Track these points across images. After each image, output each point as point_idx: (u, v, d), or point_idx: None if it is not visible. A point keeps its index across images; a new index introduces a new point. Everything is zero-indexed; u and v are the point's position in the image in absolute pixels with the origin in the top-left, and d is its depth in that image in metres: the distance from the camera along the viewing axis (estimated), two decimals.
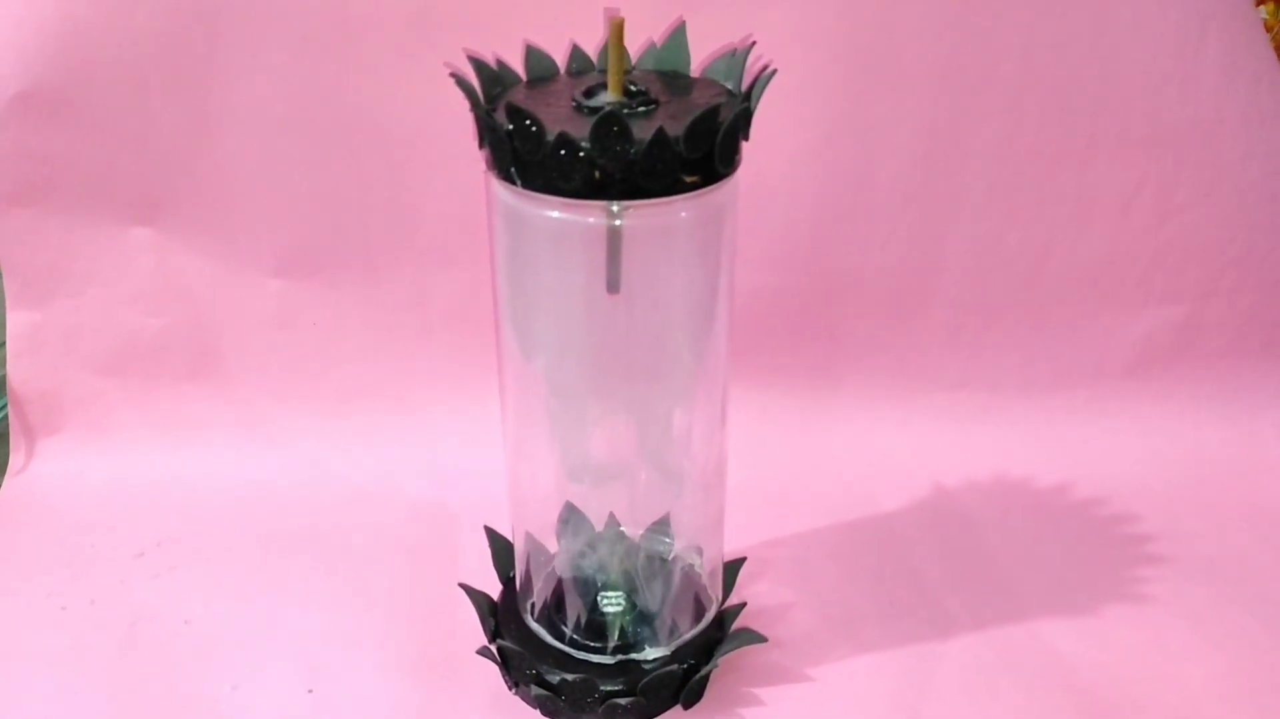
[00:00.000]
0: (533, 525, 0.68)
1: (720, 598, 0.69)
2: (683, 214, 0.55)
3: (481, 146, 0.55)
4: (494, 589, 0.70)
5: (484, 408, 0.85)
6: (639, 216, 0.54)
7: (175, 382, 0.84)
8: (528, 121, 0.51)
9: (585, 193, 0.51)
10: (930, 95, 0.77)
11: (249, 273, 0.81)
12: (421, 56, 0.74)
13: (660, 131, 0.50)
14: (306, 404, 0.85)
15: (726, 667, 0.68)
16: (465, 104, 0.55)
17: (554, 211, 0.54)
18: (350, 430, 0.85)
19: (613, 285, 0.57)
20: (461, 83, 0.55)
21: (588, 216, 0.54)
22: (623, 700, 0.62)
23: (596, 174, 0.51)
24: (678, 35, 0.60)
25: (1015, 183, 0.81)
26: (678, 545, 0.68)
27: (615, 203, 0.53)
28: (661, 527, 0.68)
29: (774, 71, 0.56)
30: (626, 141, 0.50)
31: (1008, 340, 0.87)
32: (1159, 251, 0.84)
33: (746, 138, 0.56)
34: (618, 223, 0.54)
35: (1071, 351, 0.88)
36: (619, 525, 0.68)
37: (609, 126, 0.49)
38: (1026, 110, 0.78)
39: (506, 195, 0.56)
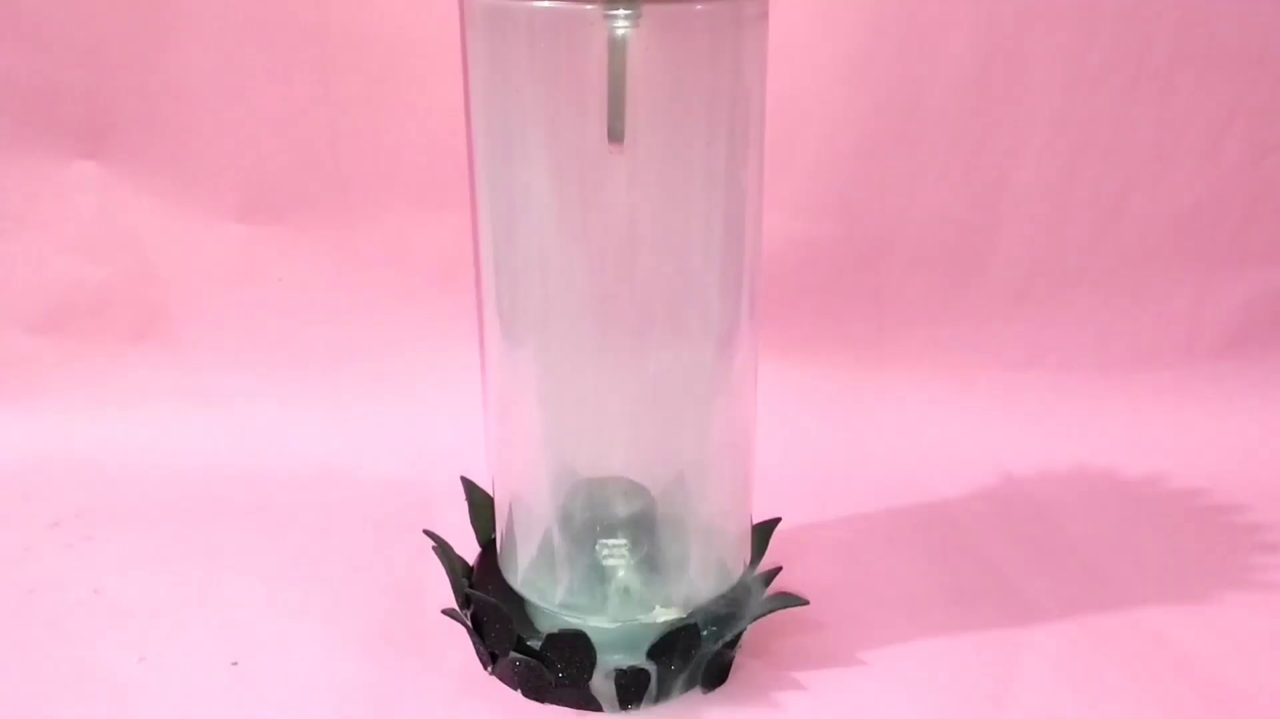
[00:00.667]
0: (518, 483, 0.55)
1: (749, 560, 0.55)
2: (699, 8, 0.44)
3: None
4: (471, 556, 0.57)
5: (472, 379, 0.73)
6: (647, 15, 0.43)
7: (117, 342, 0.74)
8: None
9: None
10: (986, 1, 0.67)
11: (206, 216, 0.72)
12: None
13: None
14: (267, 371, 0.74)
15: (756, 648, 0.54)
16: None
17: (540, 1, 0.43)
18: (316, 402, 0.74)
19: (615, 130, 0.46)
20: None
21: (582, 4, 0.43)
22: (625, 668, 0.49)
23: None
24: None
25: (1086, 110, 0.71)
26: (697, 500, 0.55)
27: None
28: (677, 482, 0.55)
29: None
30: None
31: (1081, 309, 0.76)
32: (1256, 198, 0.73)
33: None
34: (620, 29, 0.44)
35: (1156, 322, 0.77)
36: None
37: None
38: (1100, 18, 0.68)
39: None
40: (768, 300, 0.70)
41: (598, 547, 0.53)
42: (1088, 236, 0.74)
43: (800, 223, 0.72)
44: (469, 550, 0.57)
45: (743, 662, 0.54)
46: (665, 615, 0.51)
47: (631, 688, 0.50)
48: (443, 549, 0.55)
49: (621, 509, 0.54)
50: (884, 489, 0.70)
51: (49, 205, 0.71)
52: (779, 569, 0.56)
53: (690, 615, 0.51)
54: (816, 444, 0.74)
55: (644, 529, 0.54)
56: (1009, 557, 0.64)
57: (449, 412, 0.73)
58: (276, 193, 0.71)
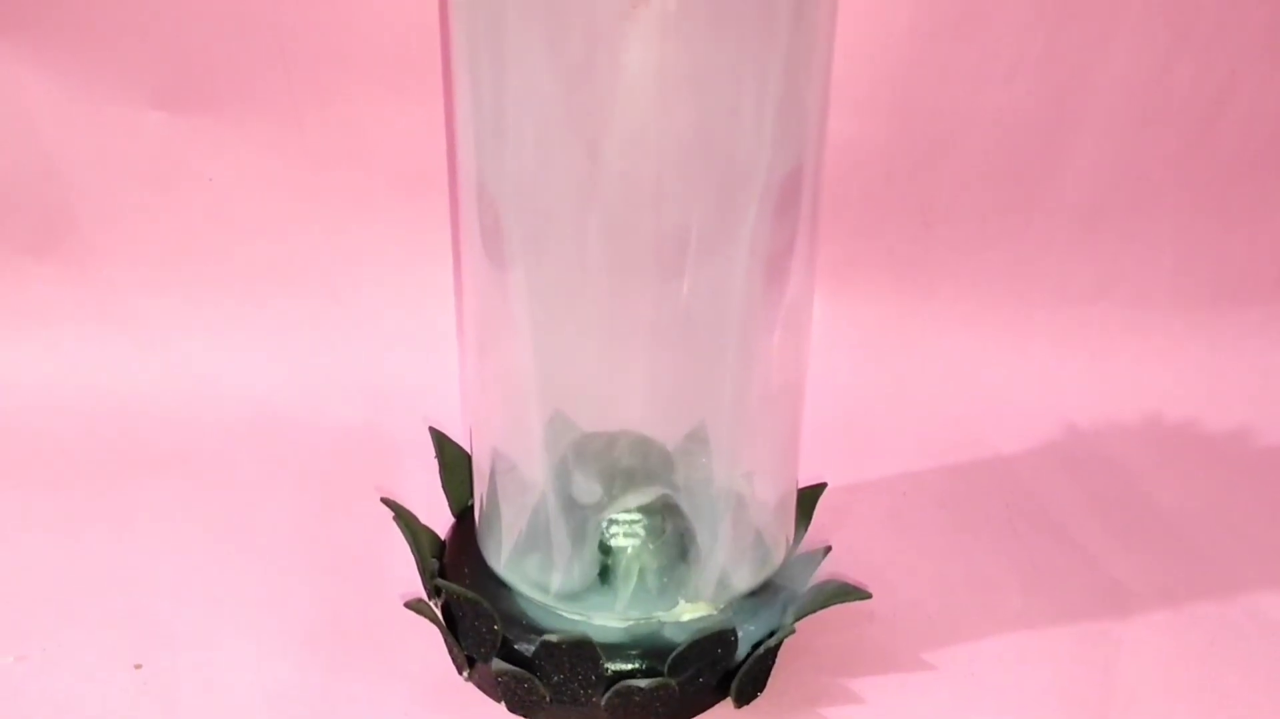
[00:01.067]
0: (504, 437, 0.44)
1: (793, 539, 0.44)
2: None
3: None
4: (442, 527, 0.46)
5: (445, 304, 0.61)
6: None
7: (13, 254, 0.61)
8: None
9: None
10: None
11: (119, 101, 0.59)
12: None
13: None
14: (195, 292, 0.62)
15: (798, 647, 0.44)
16: None
17: None
18: (254, 328, 0.62)
19: None
20: None
21: None
22: (641, 683, 0.38)
23: None
24: None
25: None
26: (731, 462, 0.43)
27: None
28: (699, 437, 0.43)
29: None
30: None
31: (1162, 232, 0.65)
32: None
33: None
34: None
35: (1246, 249, 0.66)
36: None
37: None
38: None
39: None
40: None
41: (605, 522, 0.42)
42: (1177, 145, 0.62)
43: (840, 121, 0.59)
44: (440, 520, 0.46)
45: (782, 663, 0.43)
46: (691, 613, 0.40)
47: (648, 707, 0.39)
48: (405, 522, 0.44)
49: (636, 472, 0.43)
50: (932, 441, 0.60)
51: None
52: (828, 549, 0.45)
53: (722, 613, 0.40)
54: (854, 386, 0.63)
55: (665, 500, 0.42)
56: (1090, 528, 0.53)
57: (416, 343, 0.61)
58: (204, 74, 0.58)
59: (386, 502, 0.43)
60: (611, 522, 0.42)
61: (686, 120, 0.37)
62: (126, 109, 0.59)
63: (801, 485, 0.47)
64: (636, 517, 0.42)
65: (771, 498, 0.44)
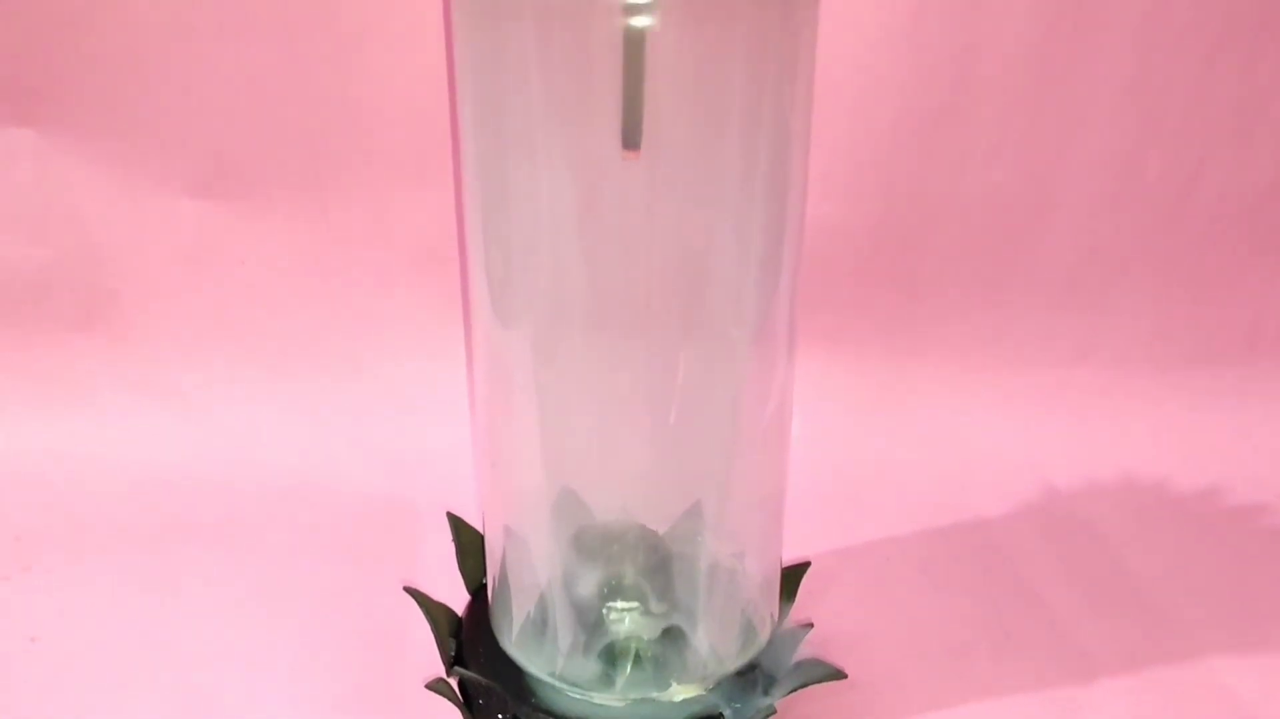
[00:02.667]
0: (513, 516, 0.48)
1: (777, 616, 0.48)
2: None
3: None
4: (459, 602, 0.50)
5: (459, 373, 0.65)
6: (673, 2, 0.35)
7: (59, 331, 0.65)
8: None
9: None
10: None
11: (157, 191, 0.63)
12: None
13: None
14: (228, 366, 0.66)
15: (784, 713, 0.47)
16: None
17: None
18: (284, 400, 0.66)
19: (631, 136, 0.38)
20: None
21: None
22: None
23: None
24: None
25: (1161, 81, 0.62)
26: (717, 544, 0.48)
27: None
28: (693, 518, 0.48)
29: None
30: None
31: (1138, 301, 0.68)
32: None
33: None
34: (639, 20, 0.35)
35: (1219, 315, 0.69)
36: (633, 517, 0.48)
37: None
38: None
39: None
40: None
41: (605, 607, 0.46)
42: (1151, 220, 0.66)
43: (828, 203, 0.64)
44: (459, 593, 0.50)
45: None
46: (683, 694, 0.44)
47: None
48: (425, 607, 0.48)
49: (634, 562, 0.47)
50: (917, 505, 0.63)
51: None
52: (810, 626, 0.49)
53: (711, 693, 0.45)
54: (842, 449, 0.67)
55: (660, 587, 0.47)
56: (1060, 593, 0.57)
57: (436, 412, 0.65)
58: (237, 164, 0.62)
59: (409, 590, 0.48)
60: (612, 609, 0.46)
61: (674, 240, 0.42)
62: (165, 197, 0.63)
63: (787, 559, 0.51)
64: (634, 604, 0.46)
65: (758, 576, 0.48)
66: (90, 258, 0.64)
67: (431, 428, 0.65)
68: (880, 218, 0.65)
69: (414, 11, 0.58)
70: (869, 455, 0.66)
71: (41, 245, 0.64)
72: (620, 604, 0.46)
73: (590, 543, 0.47)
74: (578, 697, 0.44)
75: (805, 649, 0.48)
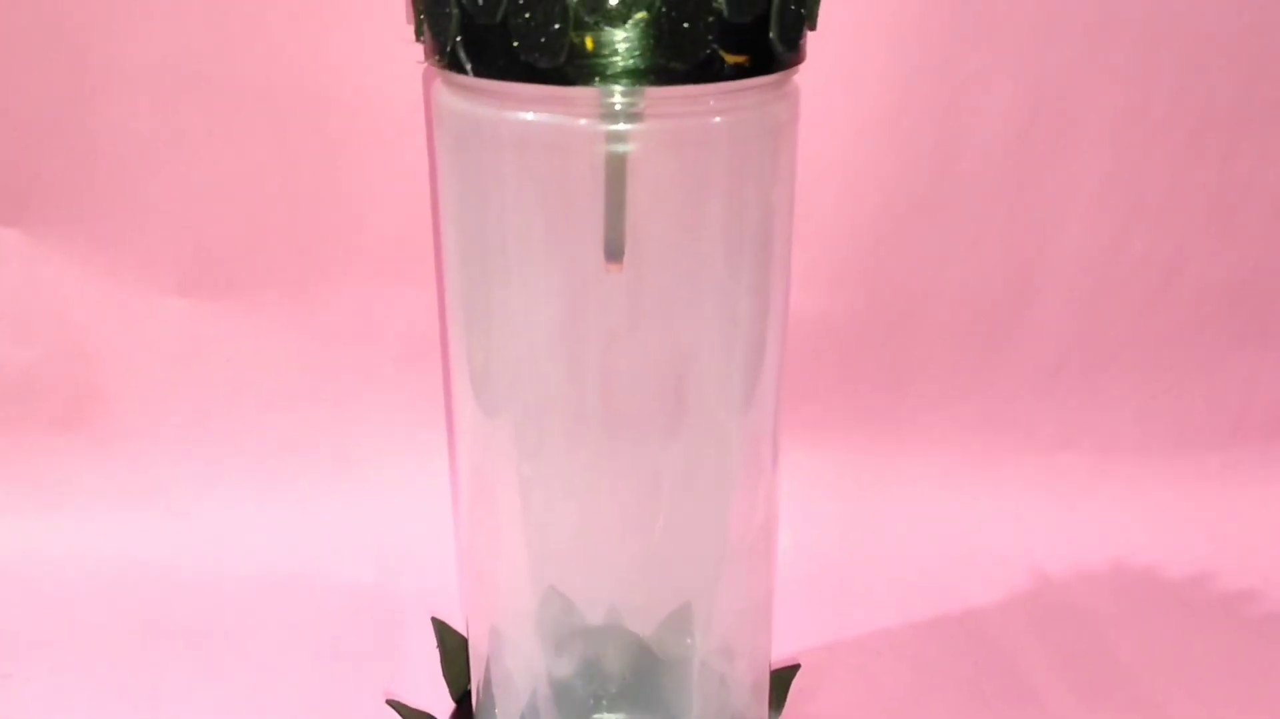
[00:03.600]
0: (498, 618, 0.47)
1: None
2: (717, 119, 0.36)
3: (419, 34, 0.37)
4: (444, 708, 0.50)
5: (443, 469, 0.65)
6: (653, 130, 0.35)
7: (44, 430, 0.65)
8: None
9: (570, 74, 0.33)
10: (1031, 49, 0.60)
11: (144, 290, 0.63)
12: None
13: None
14: (213, 463, 0.66)
15: None
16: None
17: (525, 112, 0.35)
18: (269, 498, 0.66)
19: (613, 249, 0.39)
20: None
21: (575, 118, 0.35)
22: None
23: (587, 41, 0.32)
24: None
25: (1139, 173, 0.63)
26: (705, 646, 0.47)
27: (616, 94, 0.34)
28: (681, 620, 0.47)
29: None
30: None
31: (1122, 387, 0.69)
32: None
33: (813, 23, 0.37)
34: (621, 148, 0.36)
35: (1203, 401, 0.69)
36: (621, 619, 0.48)
37: None
38: (1157, 72, 0.61)
39: (454, 102, 0.37)
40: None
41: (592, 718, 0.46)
42: (1132, 309, 0.66)
43: (814, 295, 0.64)
44: (443, 697, 0.50)
45: None
46: None
47: None
48: (405, 716, 0.47)
49: (622, 666, 0.47)
50: (906, 596, 0.63)
51: None
52: None
53: None
54: (831, 537, 0.66)
55: (648, 692, 0.46)
56: (1052, 684, 0.57)
57: (420, 507, 0.65)
58: (223, 264, 0.63)
59: (391, 703, 0.47)
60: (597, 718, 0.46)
61: (657, 346, 0.42)
62: (150, 296, 0.63)
63: (777, 653, 0.50)
64: (621, 716, 0.46)
65: (747, 680, 0.47)
66: (76, 357, 0.64)
67: (416, 524, 0.64)
68: (864, 309, 0.65)
69: (400, 114, 0.58)
70: (857, 545, 0.66)
71: (28, 345, 0.64)
72: (609, 717, 0.46)
73: (577, 647, 0.47)
74: None
75: None
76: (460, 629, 0.52)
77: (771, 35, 0.34)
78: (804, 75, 0.39)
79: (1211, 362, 0.68)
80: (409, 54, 0.56)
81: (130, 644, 0.58)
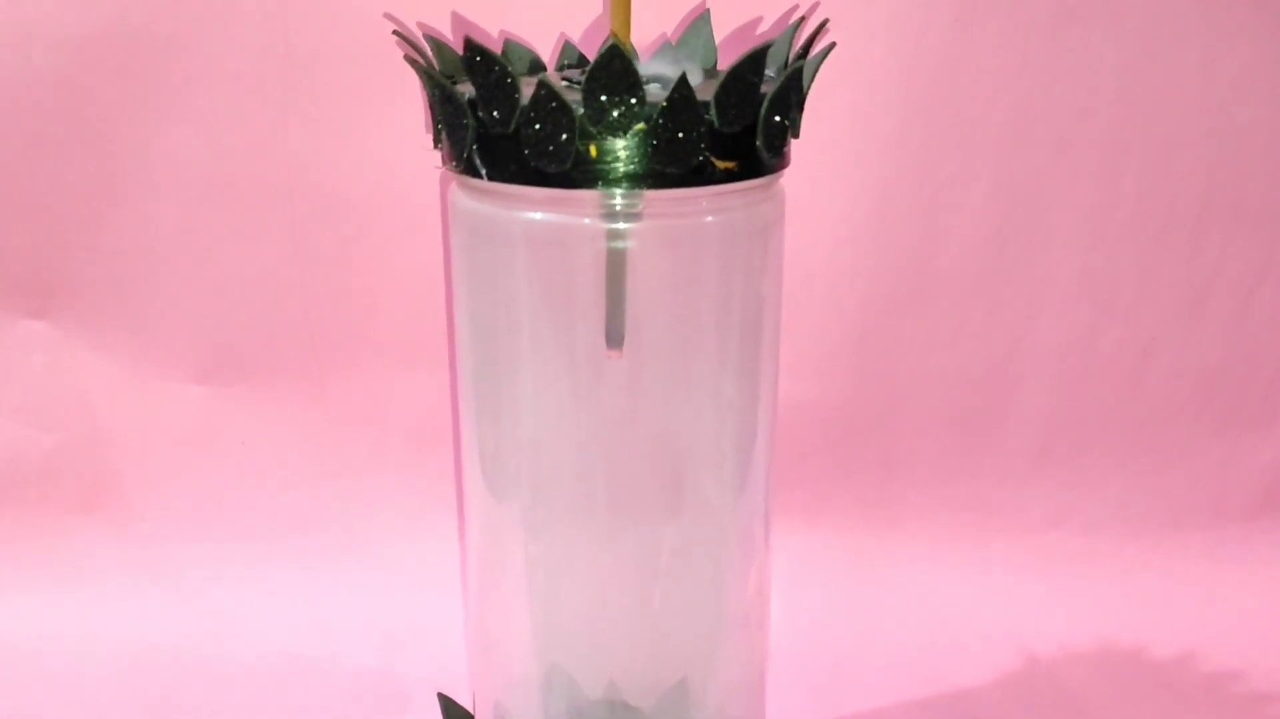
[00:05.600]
0: (504, 693, 0.49)
1: None
2: (709, 219, 0.39)
3: (437, 142, 0.40)
4: None
5: (451, 551, 0.67)
6: (651, 228, 0.39)
7: (63, 514, 0.67)
8: (496, 70, 0.36)
9: (576, 178, 0.36)
10: (1006, 153, 0.63)
11: (163, 378, 0.66)
12: (380, 103, 0.60)
13: (683, 85, 0.35)
14: (226, 545, 0.68)
15: None
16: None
17: (534, 212, 0.38)
18: (281, 579, 0.68)
19: (614, 337, 0.41)
20: (411, 47, 0.40)
21: (580, 217, 0.38)
22: None
23: (591, 149, 0.36)
24: (699, 26, 0.46)
25: (1110, 266, 0.66)
26: (702, 718, 0.49)
27: (618, 196, 0.37)
28: (679, 693, 0.49)
29: (833, 45, 0.41)
30: (634, 94, 0.35)
31: (1105, 469, 0.71)
32: None
33: (796, 132, 0.41)
34: (621, 244, 0.39)
35: (1184, 483, 0.72)
36: (620, 694, 0.49)
37: (611, 65, 0.34)
38: (1124, 172, 0.64)
39: (468, 202, 0.40)
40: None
41: None
42: (1111, 395, 0.69)
43: (803, 383, 0.67)
44: None
45: None
46: None
47: None
48: None
49: None
50: (899, 676, 0.65)
51: None
52: None
53: None
54: (822, 619, 0.68)
55: None
56: None
57: (427, 589, 0.67)
58: (240, 353, 0.65)
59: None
60: None
61: (656, 427, 0.44)
62: (169, 384, 0.66)
63: None
64: None
65: None
66: (96, 442, 0.66)
67: (424, 607, 0.66)
68: (854, 397, 0.68)
69: (411, 213, 0.62)
70: (849, 626, 0.68)
71: (49, 431, 0.66)
72: None
73: None
74: None
75: None
76: (465, 704, 0.54)
77: (758, 143, 0.38)
78: (793, 178, 0.43)
79: (1190, 444, 0.71)
80: (421, 157, 0.60)
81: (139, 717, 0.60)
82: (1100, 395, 0.69)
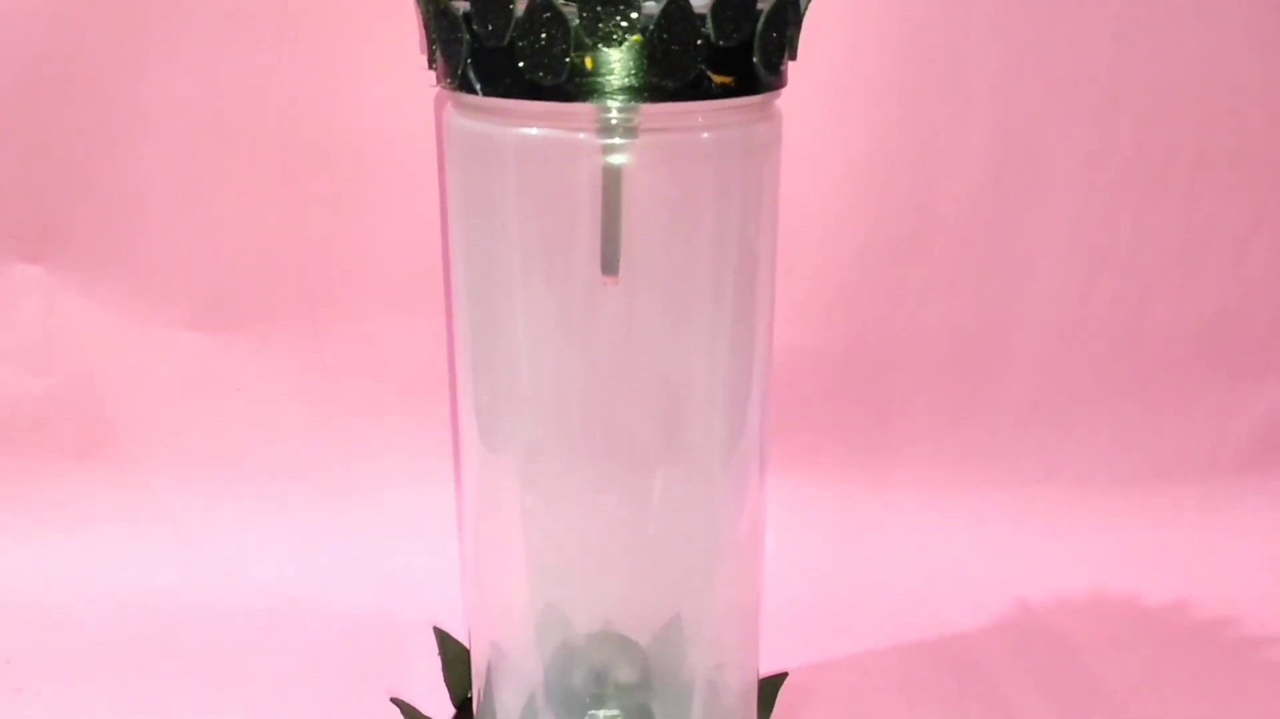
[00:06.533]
0: (499, 632, 0.49)
1: None
2: (705, 135, 0.39)
3: (431, 62, 0.40)
4: (444, 715, 0.51)
5: (446, 497, 0.67)
6: (646, 144, 0.38)
7: (58, 460, 0.67)
8: None
9: (571, 91, 0.36)
10: (1002, 101, 0.63)
11: (158, 323, 0.66)
12: (376, 44, 0.60)
13: None
14: (222, 491, 0.68)
15: None
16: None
17: (528, 128, 0.38)
18: (277, 525, 0.68)
19: (609, 262, 0.41)
20: None
21: (575, 133, 0.38)
22: None
23: (587, 61, 0.36)
24: None
25: (1106, 216, 0.66)
26: (696, 656, 0.49)
27: (613, 109, 0.37)
28: (673, 630, 0.49)
29: None
30: (630, 5, 0.35)
31: (1099, 420, 0.72)
32: None
33: (794, 53, 0.40)
34: (617, 160, 0.39)
35: (1178, 435, 0.72)
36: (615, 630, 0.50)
37: None
38: (1120, 121, 0.64)
39: (463, 122, 0.40)
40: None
41: (588, 715, 0.48)
42: (1106, 346, 0.69)
43: (800, 330, 0.67)
44: (444, 706, 0.52)
45: None
46: None
47: None
48: (411, 717, 0.49)
49: (616, 671, 0.49)
50: (893, 621, 0.65)
51: None
52: None
53: None
54: (819, 566, 0.68)
55: (640, 694, 0.48)
56: (1033, 706, 0.58)
57: (423, 535, 0.67)
58: (235, 299, 0.66)
59: (395, 701, 0.49)
60: (593, 716, 0.48)
61: (651, 368, 0.44)
62: (164, 330, 0.66)
63: (767, 670, 0.52)
64: (615, 712, 0.48)
65: (736, 685, 0.49)
66: (92, 386, 0.66)
67: (419, 551, 0.66)
68: (850, 345, 0.68)
69: (408, 156, 0.62)
70: (845, 573, 0.68)
71: (44, 376, 0.66)
72: (602, 714, 0.47)
73: (574, 653, 0.49)
74: None
75: None
76: (462, 639, 0.54)
77: (755, 60, 0.38)
78: (790, 123, 0.43)
79: (1184, 395, 0.71)
80: (415, 99, 0.60)
81: (138, 663, 0.60)
82: (1095, 346, 0.69)
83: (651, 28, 0.35)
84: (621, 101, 0.36)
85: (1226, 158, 0.66)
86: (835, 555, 0.69)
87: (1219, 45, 0.64)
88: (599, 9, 0.35)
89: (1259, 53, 0.65)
